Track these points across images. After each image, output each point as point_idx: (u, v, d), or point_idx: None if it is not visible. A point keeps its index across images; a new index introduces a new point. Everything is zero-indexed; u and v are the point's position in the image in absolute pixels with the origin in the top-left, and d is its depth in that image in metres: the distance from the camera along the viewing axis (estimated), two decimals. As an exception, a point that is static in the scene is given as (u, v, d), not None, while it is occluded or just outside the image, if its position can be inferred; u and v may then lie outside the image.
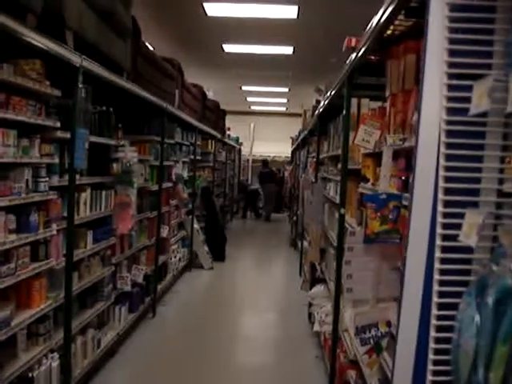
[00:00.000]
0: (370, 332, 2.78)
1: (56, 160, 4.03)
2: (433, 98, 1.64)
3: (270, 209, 19.01)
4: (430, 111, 1.66)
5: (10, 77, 3.33)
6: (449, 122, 1.59)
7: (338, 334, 4.26)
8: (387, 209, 2.59)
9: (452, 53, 1.58)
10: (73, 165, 4.09)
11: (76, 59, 3.91)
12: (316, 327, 5.62)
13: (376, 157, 3.35)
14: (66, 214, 4.16)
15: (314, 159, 7.51)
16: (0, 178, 3.37)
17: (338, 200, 4.44)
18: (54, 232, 3.98)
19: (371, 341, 2.79)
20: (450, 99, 1.58)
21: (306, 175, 8.99)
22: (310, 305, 6.48)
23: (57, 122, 3.94)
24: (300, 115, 12.94)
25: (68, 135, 4.05)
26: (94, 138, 4.60)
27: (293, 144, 16.69)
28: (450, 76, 1.58)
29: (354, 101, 4.43)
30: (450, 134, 1.60)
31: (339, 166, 4.61)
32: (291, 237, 13.48)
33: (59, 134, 4.00)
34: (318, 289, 6.08)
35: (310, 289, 6.53)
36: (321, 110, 6.48)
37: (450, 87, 1.58)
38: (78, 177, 4.31)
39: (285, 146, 20.14)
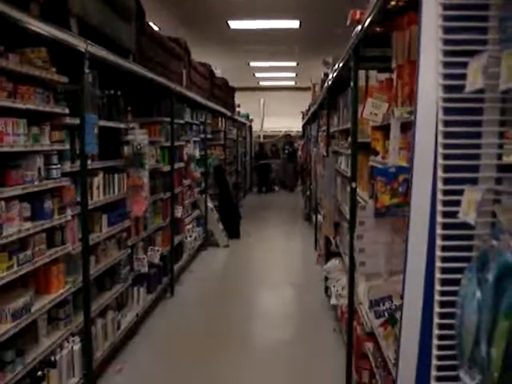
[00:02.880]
0: (383, 305, 2.80)
1: (67, 146, 4.06)
2: (429, 76, 1.62)
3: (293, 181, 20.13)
4: (426, 89, 1.64)
5: (16, 66, 3.34)
6: (446, 100, 1.57)
7: (354, 307, 4.29)
8: (397, 182, 2.59)
9: (447, 30, 1.56)
10: (84, 150, 4.11)
11: (81, 44, 3.91)
12: (333, 301, 5.65)
13: (385, 130, 3.33)
14: (79, 199, 4.20)
15: (325, 133, 7.47)
16: (12, 167, 3.41)
17: (349, 173, 4.43)
18: (69, 217, 4.03)
19: (385, 313, 2.80)
20: (446, 76, 1.56)
21: (317, 149, 8.97)
22: (326, 278, 6.51)
23: (65, 108, 3.96)
24: (309, 89, 12.83)
25: (77, 121, 4.07)
26: (103, 123, 4.62)
27: (303, 118, 16.62)
28: (446, 53, 1.56)
29: (362, 73, 4.39)
30: (447, 111, 1.58)
31: (349, 139, 4.59)
32: (305, 211, 13.49)
33: (68, 120, 4.02)
34: (333, 263, 6.10)
35: (326, 263, 6.55)
36: (329, 83, 6.43)
37: (446, 64, 1.56)
38: (89, 162, 4.34)
39: (295, 120, 20.06)
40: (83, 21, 3.98)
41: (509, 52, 1.17)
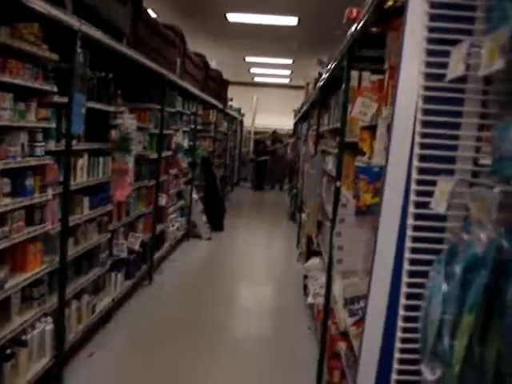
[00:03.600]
0: (358, 303, 2.80)
1: (53, 125, 4.01)
2: (412, 64, 1.61)
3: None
4: (408, 77, 1.63)
5: (6, 39, 3.30)
6: (426, 88, 1.55)
7: (330, 306, 4.29)
8: (380, 181, 2.58)
9: (433, 17, 1.54)
10: (70, 130, 4.07)
11: (74, 23, 3.87)
12: (310, 299, 5.66)
13: (373, 130, 3.32)
14: (62, 179, 4.16)
15: (315, 132, 7.48)
16: (-5, 141, 3.36)
17: (335, 173, 4.43)
18: (50, 197, 3.98)
19: (359, 312, 2.81)
20: (428, 64, 1.55)
21: (306, 148, 8.97)
22: (306, 277, 6.52)
23: (54, 86, 3.92)
24: (303, 88, 12.83)
25: (65, 100, 4.03)
26: (92, 104, 4.58)
27: (295, 117, 16.61)
28: (430, 41, 1.54)
29: (355, 74, 4.38)
30: (427, 100, 1.56)
31: (337, 138, 4.58)
32: (290, 210, 13.50)
33: (56, 98, 3.98)
34: (314, 261, 6.11)
35: (306, 261, 6.56)
36: (322, 82, 6.43)
37: (430, 52, 1.55)
38: (75, 142, 4.30)
39: (287, 118, 20.04)
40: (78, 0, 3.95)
41: (492, 37, 1.17)
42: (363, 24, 3.22)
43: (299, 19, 11.01)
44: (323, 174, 6.16)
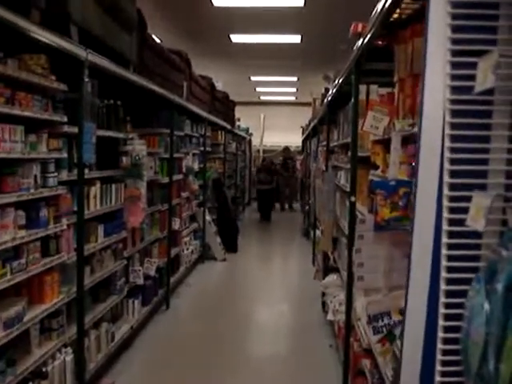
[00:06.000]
0: (382, 320, 2.75)
1: (64, 155, 4.02)
2: (436, 77, 1.57)
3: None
4: (433, 91, 1.59)
5: (14, 72, 3.31)
6: (453, 101, 1.52)
7: (352, 322, 4.24)
8: (397, 195, 2.55)
9: (455, 28, 1.52)
10: (81, 159, 4.08)
11: (81, 53, 3.90)
12: (330, 316, 5.59)
13: (385, 143, 3.30)
14: (75, 209, 4.16)
15: (325, 148, 7.46)
16: (8, 174, 3.36)
17: (348, 188, 4.40)
18: (65, 227, 3.98)
19: (384, 329, 2.76)
20: (454, 77, 1.52)
21: (316, 164, 8.95)
22: (324, 294, 6.46)
23: (64, 116, 3.93)
24: (310, 104, 12.86)
25: (76, 129, 4.04)
26: (102, 132, 4.59)
27: (303, 133, 16.60)
28: (454, 53, 1.52)
29: (363, 88, 4.38)
30: (455, 113, 1.53)
31: (349, 153, 4.57)
32: (303, 226, 13.45)
33: (66, 128, 3.99)
34: (331, 278, 6.05)
35: (323, 278, 6.50)
36: (330, 98, 6.43)
37: (454, 65, 1.52)
38: (87, 171, 4.31)
39: (295, 135, 20.06)
40: (84, 29, 3.97)
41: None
42: (369, 37, 3.22)
43: (302, 37, 11.07)
44: (336, 189, 6.13)
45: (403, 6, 2.80)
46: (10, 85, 3.32)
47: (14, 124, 3.37)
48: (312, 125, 11.11)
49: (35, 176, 3.63)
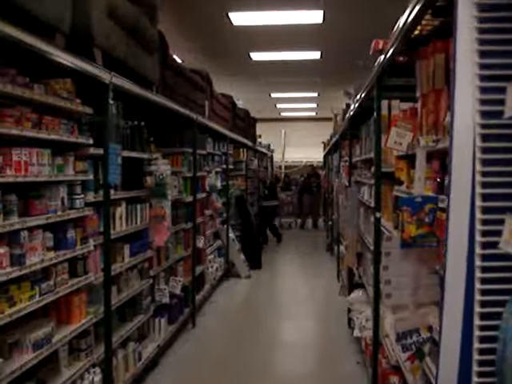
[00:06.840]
0: (411, 338, 2.73)
1: (90, 176, 4.08)
2: (465, 102, 1.57)
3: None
4: (463, 115, 1.59)
5: (41, 97, 3.38)
6: (484, 126, 1.53)
7: (379, 339, 4.21)
8: (423, 212, 2.54)
9: (483, 54, 1.53)
10: (107, 180, 4.13)
11: (105, 76, 3.96)
12: (356, 333, 5.56)
13: (409, 159, 3.30)
14: (102, 229, 4.21)
15: (347, 163, 7.45)
16: (36, 197, 3.42)
17: (372, 203, 4.39)
18: (92, 247, 4.02)
19: (413, 347, 2.74)
20: (483, 102, 1.53)
21: (339, 179, 8.93)
22: (349, 310, 6.42)
23: (89, 138, 3.99)
24: (330, 119, 12.88)
25: (101, 151, 4.10)
26: (126, 153, 4.65)
27: (324, 149, 16.58)
28: (483, 78, 1.53)
29: (385, 102, 4.38)
30: (485, 138, 1.54)
31: (372, 169, 4.56)
32: (327, 242, 13.38)
33: (92, 150, 4.05)
34: (357, 294, 6.01)
35: (349, 294, 6.46)
36: (351, 113, 6.43)
37: (483, 89, 1.53)
38: (112, 192, 4.36)
39: (316, 150, 20.04)
40: (107, 52, 4.04)
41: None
42: (391, 53, 3.23)
43: (321, 53, 11.12)
44: (359, 204, 6.12)
45: (424, 22, 2.81)
46: (36, 109, 3.39)
47: (41, 147, 3.43)
48: (333, 140, 11.10)
49: (62, 198, 3.68)
